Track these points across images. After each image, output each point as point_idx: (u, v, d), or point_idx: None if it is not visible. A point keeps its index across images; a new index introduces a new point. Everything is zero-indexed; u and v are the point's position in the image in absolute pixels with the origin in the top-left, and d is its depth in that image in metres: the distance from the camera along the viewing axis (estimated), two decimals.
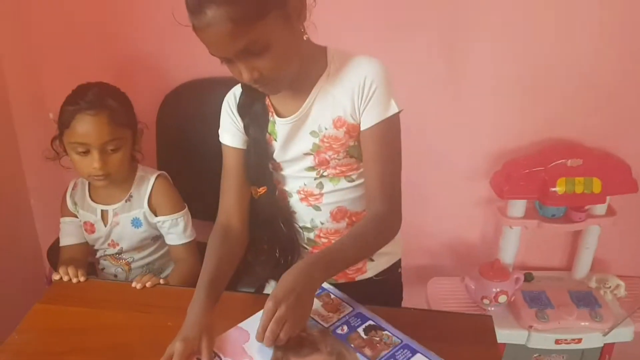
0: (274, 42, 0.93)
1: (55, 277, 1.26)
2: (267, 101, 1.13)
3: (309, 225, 1.22)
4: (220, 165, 1.22)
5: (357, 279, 1.23)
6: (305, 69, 1.05)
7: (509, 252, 1.90)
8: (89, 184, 1.47)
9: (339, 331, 0.95)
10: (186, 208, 1.48)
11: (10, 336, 1.11)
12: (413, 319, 1.11)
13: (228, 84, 1.18)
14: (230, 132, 1.18)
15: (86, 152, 1.33)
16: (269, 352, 0.91)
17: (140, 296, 1.22)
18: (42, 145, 1.42)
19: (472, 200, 1.89)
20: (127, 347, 1.08)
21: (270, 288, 1.32)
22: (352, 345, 0.92)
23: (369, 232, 1.03)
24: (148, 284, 1.23)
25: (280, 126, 1.13)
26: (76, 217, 1.49)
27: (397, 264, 1.30)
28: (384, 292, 1.24)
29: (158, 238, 1.50)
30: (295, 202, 1.21)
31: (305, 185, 1.17)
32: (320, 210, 1.19)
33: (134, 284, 1.23)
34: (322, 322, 0.97)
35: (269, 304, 0.90)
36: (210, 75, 1.64)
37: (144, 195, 1.44)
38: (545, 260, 2.00)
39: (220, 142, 1.21)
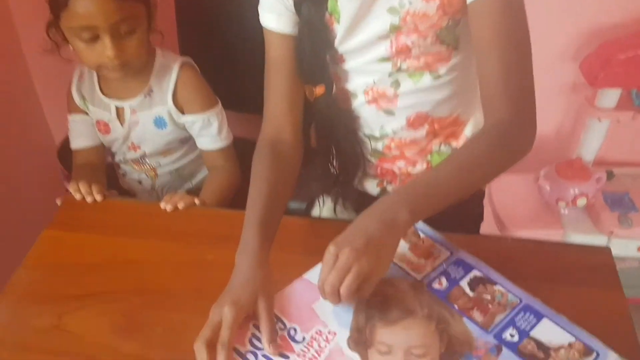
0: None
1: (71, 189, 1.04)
2: None
3: (377, 134, 0.95)
4: (258, 49, 0.92)
5: None
6: None
7: (591, 148, 1.63)
8: (98, 74, 1.19)
9: (435, 285, 0.72)
10: (219, 104, 1.21)
11: (16, 272, 0.91)
12: (503, 251, 0.88)
13: None
14: (276, 11, 0.87)
15: (94, 39, 1.03)
16: (347, 316, 0.69)
17: (171, 220, 0.99)
18: (42, 37, 1.13)
19: (553, 87, 1.59)
20: (156, 290, 0.87)
21: (325, 210, 1.08)
22: (456, 307, 0.70)
23: (486, 152, 0.75)
24: (180, 205, 0.99)
25: (344, 2, 0.82)
26: (86, 114, 1.23)
27: None
28: (460, 212, 0.97)
29: (187, 140, 1.25)
30: (360, 105, 0.93)
31: (375, 83, 0.89)
32: (393, 115, 0.92)
33: (162, 205, 0.99)
34: (412, 273, 0.74)
35: (329, 248, 0.67)
36: None
37: (167, 89, 1.16)
38: (629, 154, 1.73)
39: (260, 24, 0.91)
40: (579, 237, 1.58)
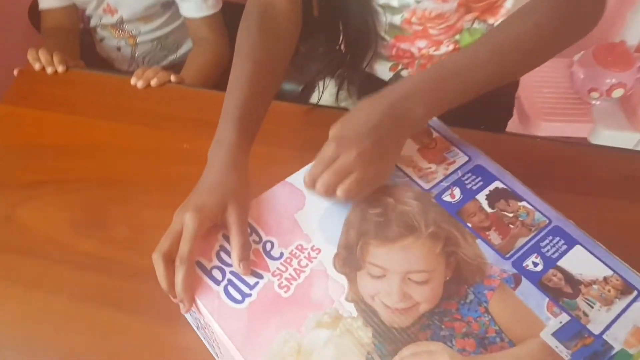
0: None
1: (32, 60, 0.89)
2: None
3: (394, 3, 0.78)
4: None
5: None
6: None
7: (637, 31, 1.43)
8: None
9: (446, 198, 0.59)
10: None
11: None
12: (528, 154, 0.75)
13: None
14: None
15: None
16: (335, 230, 0.57)
17: (143, 99, 0.85)
18: None
19: None
20: (123, 181, 0.76)
21: (326, 95, 0.92)
22: (469, 225, 0.57)
23: (535, 27, 0.59)
24: (153, 82, 0.85)
25: None
26: None
27: None
28: (486, 105, 0.81)
29: (170, 5, 1.08)
30: None
31: None
32: None
33: (133, 81, 0.86)
34: (419, 181, 0.61)
35: (330, 143, 0.57)
36: None
37: None
38: None
39: None
40: (609, 133, 1.43)
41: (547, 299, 0.52)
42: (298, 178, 0.61)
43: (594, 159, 0.79)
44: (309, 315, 0.52)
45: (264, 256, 0.55)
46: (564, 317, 0.51)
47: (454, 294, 0.53)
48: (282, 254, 0.56)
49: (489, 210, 0.59)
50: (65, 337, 0.63)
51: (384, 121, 0.56)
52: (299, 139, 0.78)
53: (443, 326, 0.51)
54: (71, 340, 0.63)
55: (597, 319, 0.51)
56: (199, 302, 0.53)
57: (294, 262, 0.55)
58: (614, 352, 0.49)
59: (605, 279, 0.54)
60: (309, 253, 0.56)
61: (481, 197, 0.59)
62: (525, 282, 0.53)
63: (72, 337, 0.63)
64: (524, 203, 0.59)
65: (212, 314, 0.52)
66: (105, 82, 0.90)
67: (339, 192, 0.55)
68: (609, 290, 0.53)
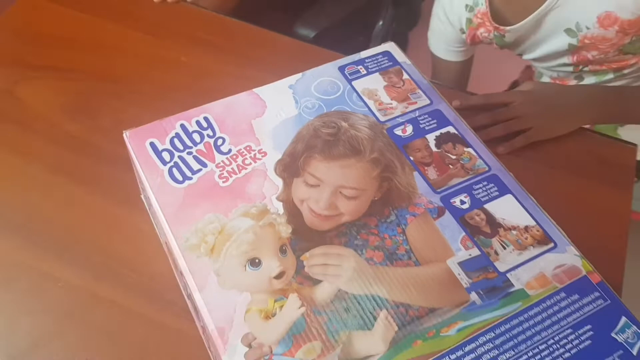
0: None
1: None
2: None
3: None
4: None
5: None
6: None
7: None
8: None
9: (398, 132, 0.62)
10: None
11: None
12: None
13: None
14: None
15: None
16: (286, 139, 0.60)
17: (156, 11, 0.90)
18: None
19: None
20: (120, 80, 0.81)
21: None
22: (412, 158, 0.60)
23: None
24: None
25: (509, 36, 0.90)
26: None
27: None
28: None
29: None
30: None
31: (558, 76, 0.96)
32: None
33: None
34: (377, 113, 0.63)
35: (519, 96, 0.79)
36: None
37: None
38: None
39: None
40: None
41: (464, 233, 0.54)
42: (265, 90, 0.64)
43: (574, 138, 0.79)
44: (238, 205, 0.55)
45: (213, 149, 0.59)
46: (475, 252, 0.53)
47: (376, 213, 0.56)
48: (230, 150, 0.59)
49: (434, 149, 0.61)
50: (30, 200, 0.69)
51: (567, 108, 0.77)
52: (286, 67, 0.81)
53: (358, 237, 0.54)
54: (34, 204, 0.69)
55: (506, 259, 0.53)
56: (143, 176, 0.57)
57: (239, 159, 0.59)
58: (512, 289, 0.51)
59: (526, 227, 0.55)
60: (255, 154, 0.59)
61: (430, 137, 0.62)
62: (447, 215, 0.56)
63: (37, 201, 0.69)
64: (469, 149, 0.61)
65: (152, 188, 0.56)
66: None
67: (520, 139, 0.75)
68: (526, 238, 0.55)
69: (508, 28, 0.88)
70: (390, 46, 0.70)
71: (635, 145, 0.77)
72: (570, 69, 0.90)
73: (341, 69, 0.66)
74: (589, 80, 0.91)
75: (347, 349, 0.47)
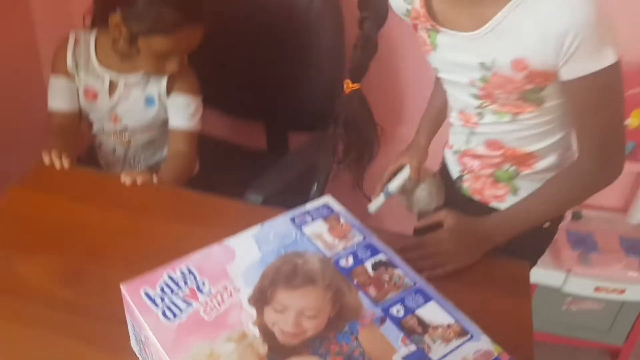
0: None
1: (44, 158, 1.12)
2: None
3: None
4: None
5: (490, 204, 1.10)
6: None
7: None
8: (96, 40, 1.26)
9: (342, 263, 0.79)
10: (201, 96, 1.30)
11: None
12: None
13: None
14: None
15: None
16: (254, 278, 0.75)
17: (128, 193, 1.07)
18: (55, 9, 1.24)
19: None
20: (104, 250, 0.95)
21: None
22: (355, 282, 0.76)
23: (567, 190, 0.97)
24: (139, 180, 1.08)
25: (442, 38, 0.94)
26: (72, 78, 1.27)
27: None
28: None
29: (166, 122, 1.33)
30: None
31: (462, 110, 1.05)
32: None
33: (122, 178, 1.08)
34: (324, 250, 0.81)
35: (445, 233, 0.98)
36: None
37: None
38: (598, 198, 1.77)
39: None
40: (536, 270, 1.62)
41: (402, 334, 0.70)
42: (234, 240, 0.81)
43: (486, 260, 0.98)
44: (222, 333, 0.69)
45: (196, 291, 0.74)
46: (412, 347, 0.68)
47: (333, 326, 0.70)
48: (210, 291, 0.74)
49: (372, 273, 0.78)
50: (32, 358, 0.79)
51: (481, 241, 0.97)
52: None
53: (322, 347, 0.68)
54: None
55: (437, 351, 0.68)
56: (141, 318, 0.70)
57: (219, 297, 0.73)
58: None
59: (448, 325, 0.72)
60: (231, 292, 0.74)
61: (368, 264, 0.79)
62: (388, 322, 0.71)
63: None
64: (398, 270, 0.79)
65: (150, 328, 0.69)
66: (100, 179, 1.12)
67: (439, 270, 0.92)
68: (450, 333, 0.71)
69: (443, 28, 0.93)
70: (328, 199, 0.89)
71: (527, 263, 0.97)
72: (477, 103, 0.98)
73: (292, 219, 0.85)
74: (489, 118, 0.99)
75: None
